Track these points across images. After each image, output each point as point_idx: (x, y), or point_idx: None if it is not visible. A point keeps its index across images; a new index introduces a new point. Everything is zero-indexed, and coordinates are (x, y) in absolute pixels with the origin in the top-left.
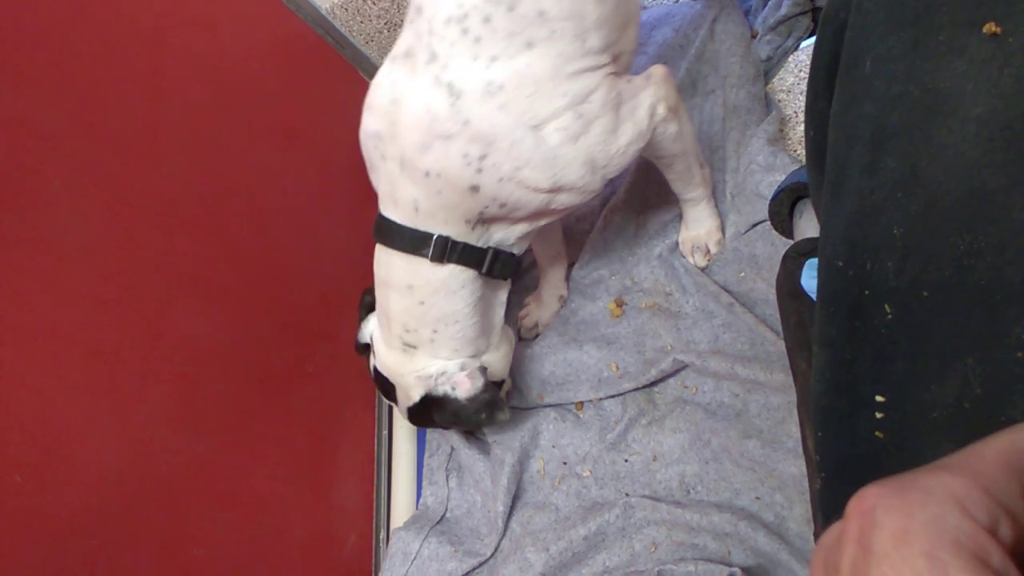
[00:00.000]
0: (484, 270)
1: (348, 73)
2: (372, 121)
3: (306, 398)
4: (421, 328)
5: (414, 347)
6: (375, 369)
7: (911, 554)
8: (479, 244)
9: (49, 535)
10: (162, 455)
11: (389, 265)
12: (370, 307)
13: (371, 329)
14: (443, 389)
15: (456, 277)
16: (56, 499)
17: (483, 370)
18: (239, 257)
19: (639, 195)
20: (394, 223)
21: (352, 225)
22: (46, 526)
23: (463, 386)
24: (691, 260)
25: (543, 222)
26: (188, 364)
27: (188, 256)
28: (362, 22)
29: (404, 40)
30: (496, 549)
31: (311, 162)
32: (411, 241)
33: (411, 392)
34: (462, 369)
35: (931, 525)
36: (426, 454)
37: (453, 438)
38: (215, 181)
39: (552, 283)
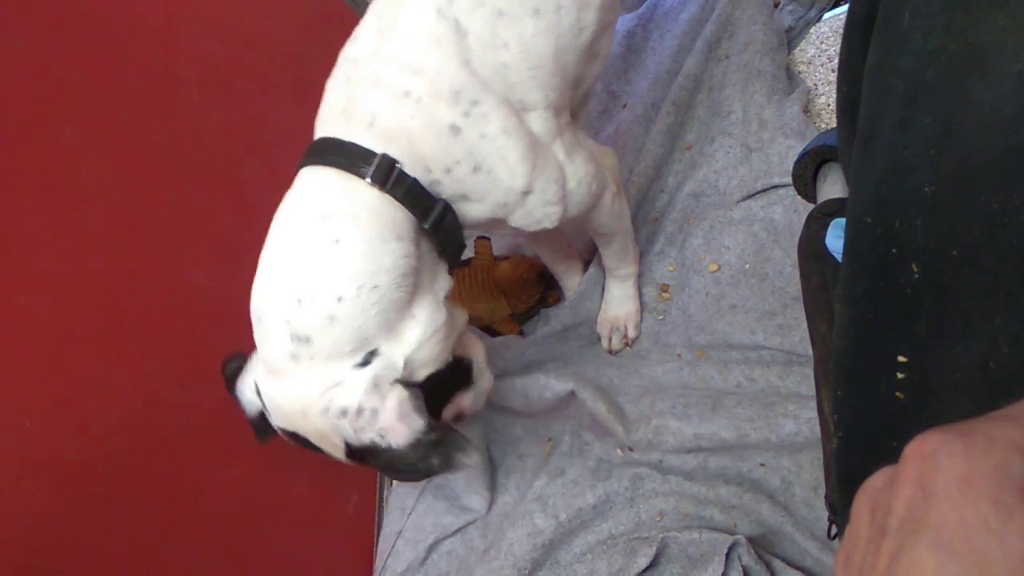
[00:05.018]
0: (429, 223)
1: None
2: (353, 48)
3: None
4: (320, 294)
5: (306, 341)
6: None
7: (976, 498)
8: (431, 192)
9: (55, 480)
10: (168, 408)
11: (308, 190)
12: (236, 373)
13: (250, 380)
14: (369, 437)
15: (392, 215)
16: (63, 446)
17: (417, 388)
18: (250, 210)
19: None
20: (335, 139)
21: None
22: (52, 472)
23: (395, 431)
24: (606, 345)
25: (496, 229)
26: (197, 317)
27: (199, 209)
28: None
29: None
30: (490, 504)
31: None
32: (350, 156)
33: (331, 439)
34: (376, 386)
35: (996, 471)
36: None
37: None
38: (228, 134)
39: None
